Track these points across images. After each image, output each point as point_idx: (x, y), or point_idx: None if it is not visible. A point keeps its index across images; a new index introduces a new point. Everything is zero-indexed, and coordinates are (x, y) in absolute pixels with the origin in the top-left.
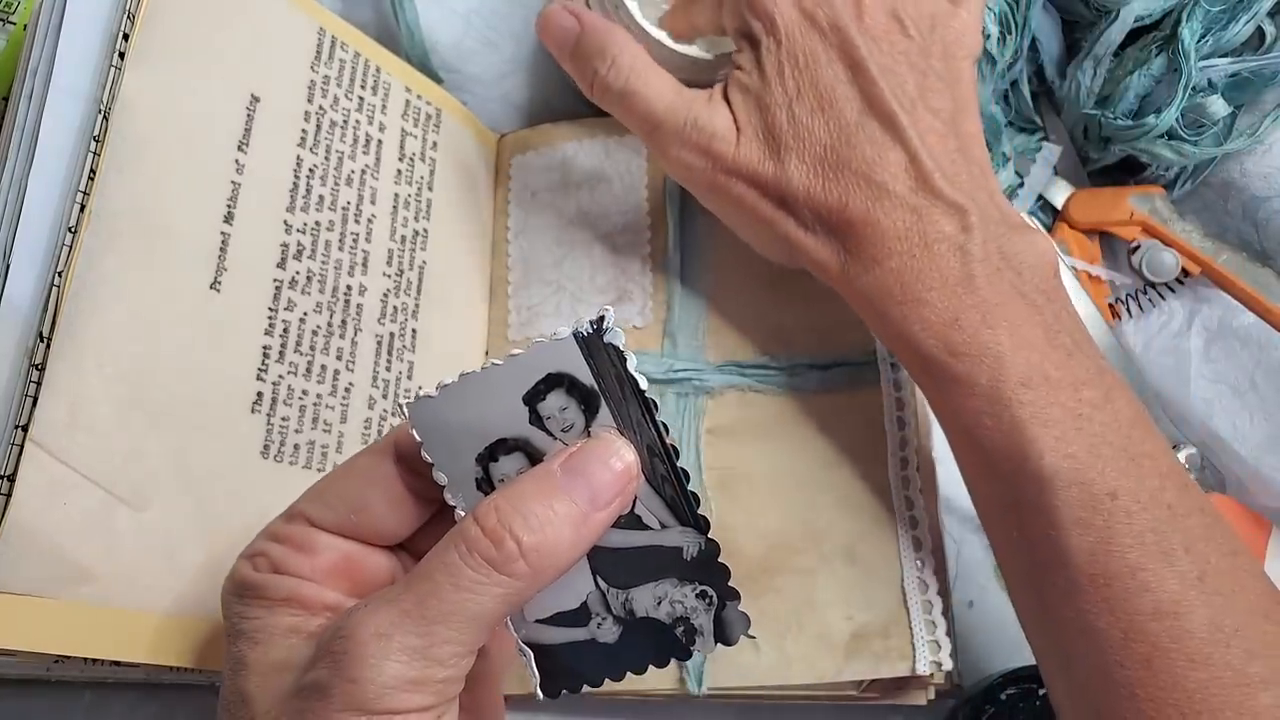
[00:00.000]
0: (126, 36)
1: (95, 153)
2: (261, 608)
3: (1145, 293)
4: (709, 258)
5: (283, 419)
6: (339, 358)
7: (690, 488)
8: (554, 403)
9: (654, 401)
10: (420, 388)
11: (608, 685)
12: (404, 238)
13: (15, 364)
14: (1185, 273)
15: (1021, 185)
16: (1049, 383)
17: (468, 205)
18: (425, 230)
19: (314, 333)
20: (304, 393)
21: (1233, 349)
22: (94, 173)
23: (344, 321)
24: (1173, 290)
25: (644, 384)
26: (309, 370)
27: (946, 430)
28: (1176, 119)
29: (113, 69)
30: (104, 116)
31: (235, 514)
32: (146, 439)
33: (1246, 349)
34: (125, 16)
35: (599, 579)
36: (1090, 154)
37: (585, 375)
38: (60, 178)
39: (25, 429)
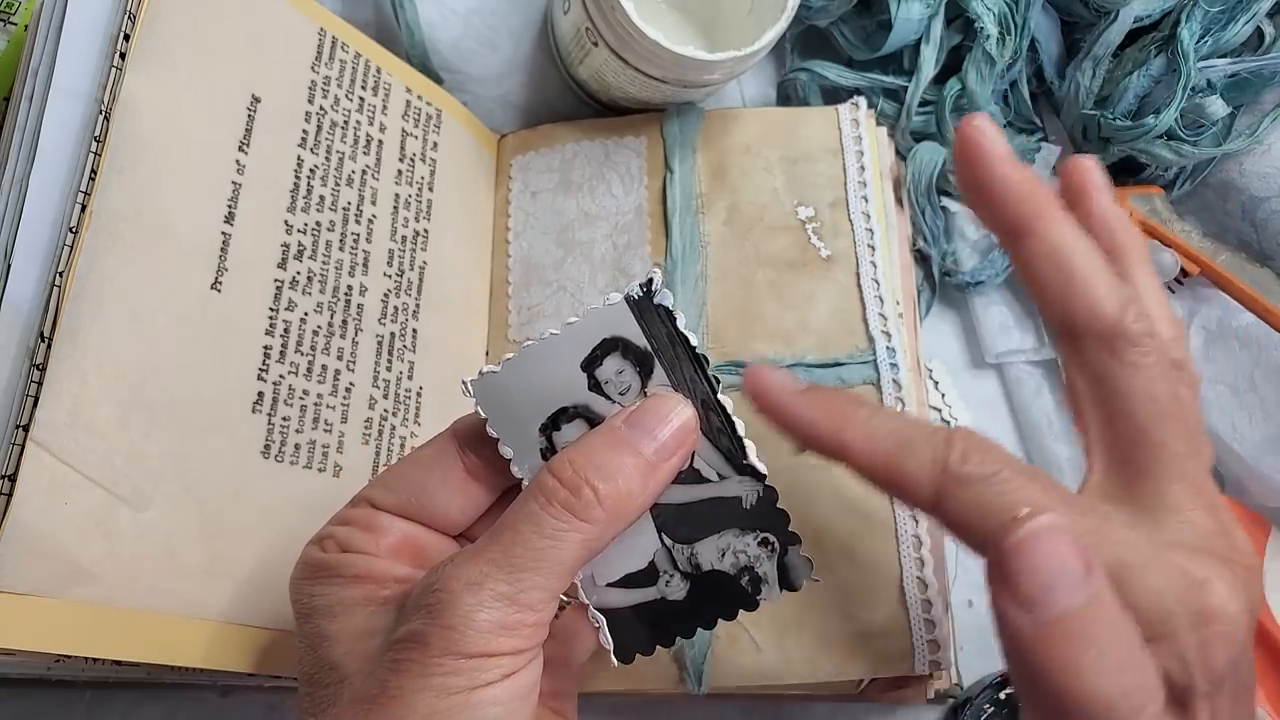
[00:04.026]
0: (127, 37)
1: (96, 153)
2: (336, 585)
3: None
4: (709, 258)
5: (283, 419)
6: (340, 358)
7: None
8: (611, 367)
9: (705, 357)
10: (484, 366)
11: (613, 684)
12: (404, 238)
13: (16, 364)
14: (1184, 273)
15: None
16: None
17: (468, 206)
18: (426, 230)
19: (315, 333)
20: (305, 393)
21: (1231, 349)
22: (95, 173)
23: (345, 321)
24: (1172, 290)
25: (694, 341)
26: (310, 370)
27: None
28: (1175, 119)
29: (113, 69)
30: (105, 117)
31: (236, 514)
32: (147, 439)
33: (1245, 349)
34: (126, 17)
35: (664, 536)
36: (1090, 155)
37: (638, 337)
38: (61, 178)
39: (26, 429)
